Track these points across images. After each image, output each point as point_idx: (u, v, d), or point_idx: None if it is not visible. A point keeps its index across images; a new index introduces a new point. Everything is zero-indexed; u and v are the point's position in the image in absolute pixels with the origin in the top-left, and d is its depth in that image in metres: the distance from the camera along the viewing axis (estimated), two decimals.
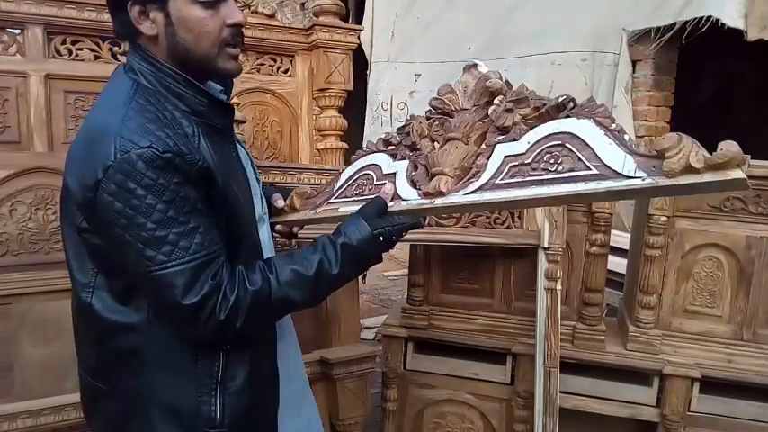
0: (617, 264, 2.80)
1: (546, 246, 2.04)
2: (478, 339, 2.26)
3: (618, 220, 3.31)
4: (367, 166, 1.23)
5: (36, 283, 1.63)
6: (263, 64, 2.26)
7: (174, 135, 0.97)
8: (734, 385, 2.07)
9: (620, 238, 2.94)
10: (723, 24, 3.52)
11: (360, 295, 2.14)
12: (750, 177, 2.08)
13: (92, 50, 1.85)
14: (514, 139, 1.02)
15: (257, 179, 1.26)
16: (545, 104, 1.00)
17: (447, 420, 2.32)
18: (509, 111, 1.04)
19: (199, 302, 0.96)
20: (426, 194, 1.09)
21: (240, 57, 1.13)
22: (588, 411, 2.18)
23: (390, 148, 1.22)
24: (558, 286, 2.04)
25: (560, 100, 0.98)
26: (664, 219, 2.10)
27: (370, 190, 1.20)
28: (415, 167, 1.14)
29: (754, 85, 5.45)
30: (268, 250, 1.22)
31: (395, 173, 1.17)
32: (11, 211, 1.65)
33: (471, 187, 1.04)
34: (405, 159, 1.17)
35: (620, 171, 0.88)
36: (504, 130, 1.04)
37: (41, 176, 1.70)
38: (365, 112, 5.81)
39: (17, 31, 1.75)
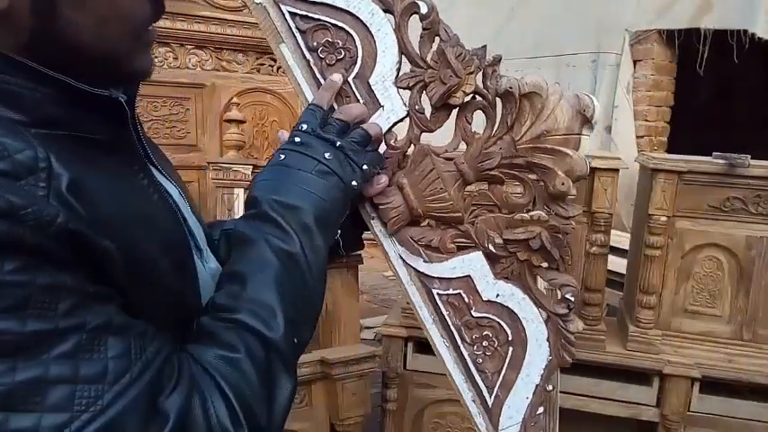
0: (617, 264, 2.79)
1: None
2: None
3: (618, 220, 3.31)
4: (346, 14, 0.79)
5: None
6: (263, 64, 2.27)
7: None
8: (734, 385, 2.07)
9: (621, 238, 2.93)
10: (760, 39, 3.51)
11: (360, 295, 2.14)
12: (751, 177, 2.10)
13: None
14: (493, 267, 0.79)
15: (184, 196, 0.79)
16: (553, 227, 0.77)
17: (447, 420, 2.32)
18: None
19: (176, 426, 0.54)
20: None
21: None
22: (588, 411, 2.18)
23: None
24: None
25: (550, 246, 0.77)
26: (664, 219, 2.10)
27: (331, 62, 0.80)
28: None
29: (755, 85, 5.44)
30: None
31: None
32: None
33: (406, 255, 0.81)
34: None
35: (498, 428, 0.81)
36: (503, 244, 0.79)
37: None
38: None
39: None
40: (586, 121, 0.74)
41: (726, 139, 4.08)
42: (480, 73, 0.76)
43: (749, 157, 2.04)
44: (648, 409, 2.14)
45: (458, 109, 0.79)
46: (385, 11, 0.77)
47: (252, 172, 2.05)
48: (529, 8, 4.68)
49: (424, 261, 0.81)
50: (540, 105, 0.74)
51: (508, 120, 0.76)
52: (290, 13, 0.77)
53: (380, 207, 0.78)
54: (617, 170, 2.12)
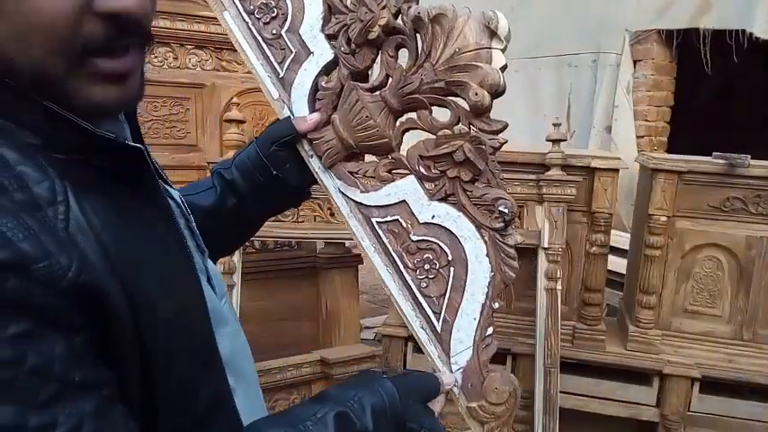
0: (617, 264, 2.80)
1: (546, 246, 2.04)
2: None
3: (618, 220, 3.31)
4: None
5: None
6: None
7: (1, 216, 0.44)
8: (734, 385, 2.07)
9: (621, 238, 2.93)
10: (758, 39, 3.52)
11: (360, 295, 2.14)
12: (750, 177, 2.10)
13: None
14: (427, 189, 0.83)
15: (196, 240, 0.75)
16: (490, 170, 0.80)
17: (447, 420, 2.31)
18: (473, 138, 0.80)
19: None
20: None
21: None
22: (588, 411, 2.18)
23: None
24: (558, 286, 2.04)
25: (503, 209, 0.80)
26: (664, 219, 2.10)
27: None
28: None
29: (755, 85, 5.44)
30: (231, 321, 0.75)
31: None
32: None
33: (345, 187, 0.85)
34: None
35: (450, 355, 0.81)
36: (432, 163, 0.82)
37: None
38: None
39: None
40: (494, 34, 0.76)
41: (726, 139, 4.08)
42: (397, 10, 0.81)
43: (749, 157, 2.04)
44: (648, 409, 2.14)
45: (381, 46, 0.83)
46: None
47: None
48: (529, 8, 4.68)
49: (361, 192, 0.85)
50: (448, 27, 0.78)
51: (425, 47, 0.80)
52: None
53: (314, 142, 0.85)
54: (617, 170, 2.12)
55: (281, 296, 1.87)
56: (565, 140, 2.13)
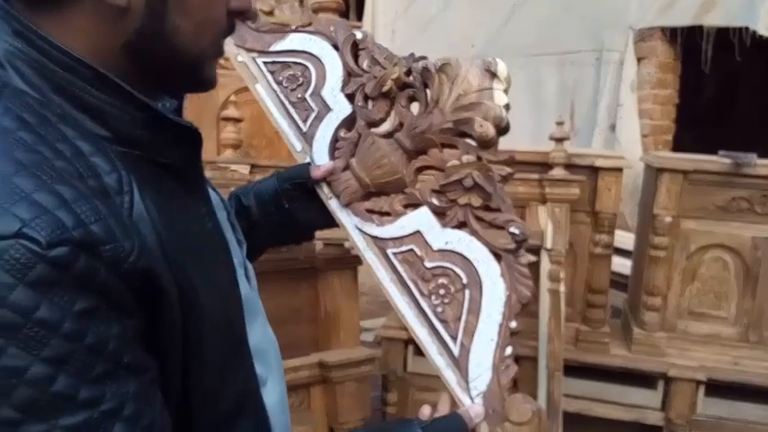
0: (621, 265, 2.77)
1: (549, 247, 2.01)
2: None
3: (622, 220, 3.28)
4: (304, 54, 1.02)
5: None
6: None
7: (78, 199, 0.48)
8: (740, 388, 2.04)
9: (625, 239, 2.91)
10: (761, 36, 3.49)
11: (360, 297, 2.11)
12: (757, 177, 2.06)
13: None
14: (441, 219, 0.87)
15: (236, 233, 0.82)
16: (506, 217, 0.84)
17: None
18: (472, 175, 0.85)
19: None
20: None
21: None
22: (592, 415, 2.16)
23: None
24: (562, 288, 2.01)
25: (518, 235, 0.83)
26: (669, 219, 2.07)
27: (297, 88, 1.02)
28: (350, 124, 0.96)
29: (758, 82, 5.40)
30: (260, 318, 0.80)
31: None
32: None
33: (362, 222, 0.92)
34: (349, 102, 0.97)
35: (468, 380, 0.80)
36: (444, 195, 0.88)
37: None
38: None
39: None
40: (494, 76, 0.84)
41: (731, 138, 4.05)
42: (408, 69, 0.92)
43: (755, 156, 2.01)
44: (653, 413, 2.12)
45: (394, 99, 0.93)
46: (333, 45, 0.99)
47: (249, 171, 2.02)
48: (532, 5, 4.65)
49: (377, 225, 0.90)
50: (453, 74, 0.87)
51: (433, 95, 0.89)
52: (263, 62, 1.04)
53: (333, 183, 0.93)
54: (621, 169, 2.09)
55: (279, 298, 1.84)
56: (568, 139, 2.11)
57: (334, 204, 0.94)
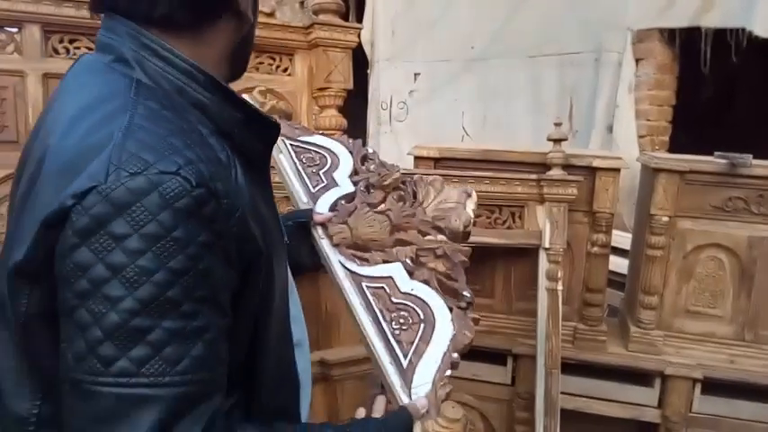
0: (618, 264, 2.79)
1: (547, 246, 2.03)
2: (479, 340, 2.24)
3: (619, 220, 3.29)
4: (324, 148, 1.30)
5: None
6: (261, 62, 2.25)
7: (208, 161, 0.63)
8: (736, 386, 2.06)
9: (622, 239, 2.92)
10: (758, 37, 3.51)
11: None
12: (753, 177, 2.09)
13: (89, 49, 1.84)
14: (410, 276, 1.05)
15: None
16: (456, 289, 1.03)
17: None
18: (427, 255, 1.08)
19: None
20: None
21: None
22: (589, 412, 2.17)
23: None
24: (559, 287, 2.03)
25: (467, 298, 1.02)
26: (665, 219, 2.08)
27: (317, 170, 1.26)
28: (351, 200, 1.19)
29: (756, 83, 5.42)
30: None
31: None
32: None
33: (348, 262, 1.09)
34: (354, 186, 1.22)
35: (411, 387, 0.89)
36: (417, 259, 1.08)
37: None
38: (366, 111, 5.79)
39: (15, 30, 1.73)
40: (469, 196, 1.21)
41: (728, 139, 4.06)
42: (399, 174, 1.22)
43: (751, 156, 2.03)
44: (650, 410, 2.14)
45: (389, 192, 1.20)
46: (348, 151, 1.29)
47: None
48: (530, 6, 4.66)
49: (357, 266, 1.08)
50: (439, 187, 1.21)
51: (420, 198, 1.20)
52: (290, 143, 1.28)
53: (328, 228, 1.11)
54: (618, 170, 2.11)
55: None
56: (566, 140, 2.12)
57: (324, 243, 1.11)
